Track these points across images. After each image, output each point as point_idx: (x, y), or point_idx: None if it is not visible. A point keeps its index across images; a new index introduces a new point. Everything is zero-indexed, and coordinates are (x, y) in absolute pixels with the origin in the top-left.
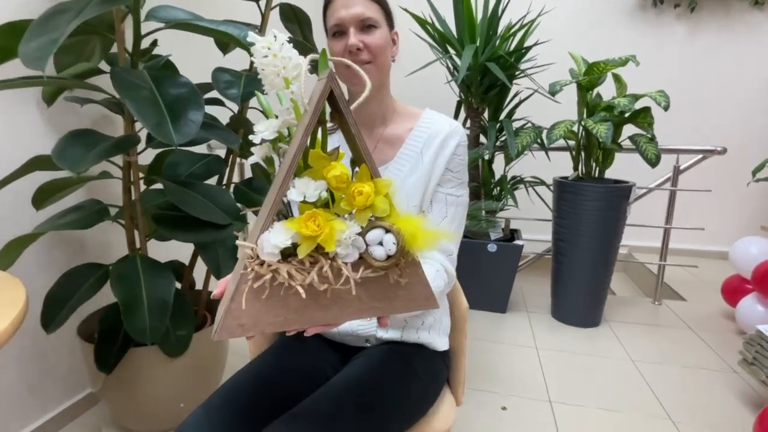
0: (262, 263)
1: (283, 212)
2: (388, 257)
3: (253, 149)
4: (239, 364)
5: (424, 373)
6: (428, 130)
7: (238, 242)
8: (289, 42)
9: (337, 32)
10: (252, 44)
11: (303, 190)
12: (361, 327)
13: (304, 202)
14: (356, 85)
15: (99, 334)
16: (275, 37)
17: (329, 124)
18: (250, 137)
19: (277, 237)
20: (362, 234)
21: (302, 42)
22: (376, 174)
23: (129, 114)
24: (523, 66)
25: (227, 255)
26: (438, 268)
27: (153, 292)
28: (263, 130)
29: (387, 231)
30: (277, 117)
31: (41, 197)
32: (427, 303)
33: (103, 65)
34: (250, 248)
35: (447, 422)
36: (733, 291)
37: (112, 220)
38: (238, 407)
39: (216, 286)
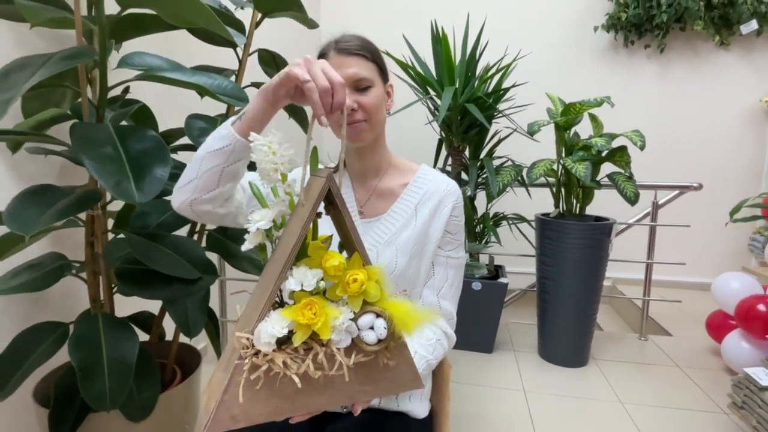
0: (256, 353)
1: (277, 300)
2: (379, 341)
3: (246, 236)
4: None
5: None
6: (424, 187)
7: (237, 334)
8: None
9: None
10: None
11: (301, 279)
12: None
13: (301, 290)
14: (351, 141)
15: (54, 399)
16: (274, 134)
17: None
18: (246, 226)
19: (274, 326)
20: (354, 319)
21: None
22: (367, 261)
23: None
24: (502, 106)
25: (197, 309)
26: (438, 337)
27: (114, 354)
28: (259, 219)
29: (378, 315)
30: (268, 206)
31: (1, 249)
32: (412, 384)
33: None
34: (245, 338)
35: None
36: (718, 327)
37: (73, 275)
38: None
39: None
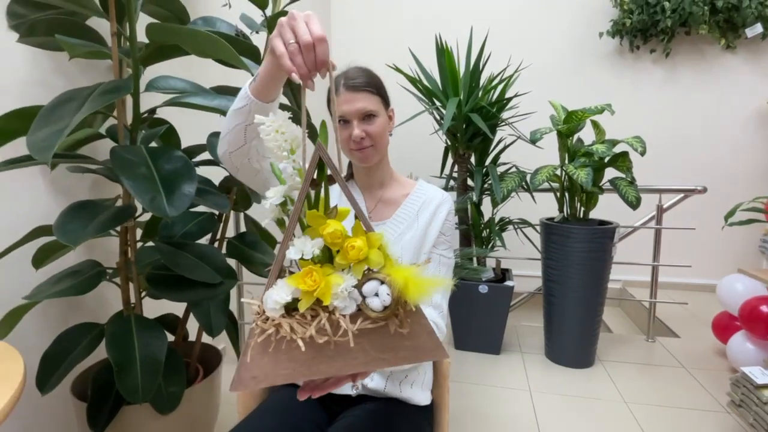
0: (266, 319)
1: (291, 270)
2: (385, 308)
3: (264, 212)
4: (231, 416)
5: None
6: (423, 197)
7: (243, 300)
8: (286, 110)
9: (342, 121)
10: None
11: (301, 248)
12: None
13: (302, 259)
14: (361, 163)
15: (92, 393)
16: (279, 114)
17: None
18: (262, 202)
19: (278, 293)
20: (358, 286)
21: (295, 109)
22: (369, 228)
23: None
24: (506, 114)
25: (218, 311)
26: (433, 320)
27: (146, 352)
28: (272, 196)
29: (382, 282)
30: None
31: (41, 257)
32: (434, 353)
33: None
34: (256, 305)
35: None
36: (724, 328)
37: (107, 280)
38: None
39: None
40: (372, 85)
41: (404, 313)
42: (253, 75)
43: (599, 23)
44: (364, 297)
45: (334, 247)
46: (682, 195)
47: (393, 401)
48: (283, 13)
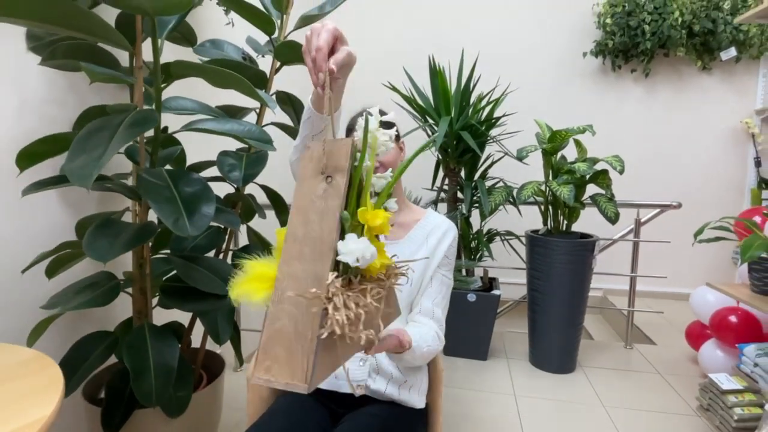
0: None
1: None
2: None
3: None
4: (233, 419)
5: None
6: (432, 223)
7: (311, 291)
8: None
9: None
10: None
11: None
12: (355, 372)
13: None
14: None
15: (106, 397)
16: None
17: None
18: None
19: (354, 246)
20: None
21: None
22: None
23: (146, 203)
24: (494, 132)
25: (224, 319)
26: (434, 334)
27: (159, 359)
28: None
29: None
30: None
31: (54, 268)
32: (396, 312)
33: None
34: (322, 293)
35: None
36: (696, 336)
37: (124, 292)
38: None
39: None
40: (385, 123)
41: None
42: (268, 106)
43: (583, 44)
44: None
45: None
46: (658, 210)
47: (391, 404)
48: (290, 41)
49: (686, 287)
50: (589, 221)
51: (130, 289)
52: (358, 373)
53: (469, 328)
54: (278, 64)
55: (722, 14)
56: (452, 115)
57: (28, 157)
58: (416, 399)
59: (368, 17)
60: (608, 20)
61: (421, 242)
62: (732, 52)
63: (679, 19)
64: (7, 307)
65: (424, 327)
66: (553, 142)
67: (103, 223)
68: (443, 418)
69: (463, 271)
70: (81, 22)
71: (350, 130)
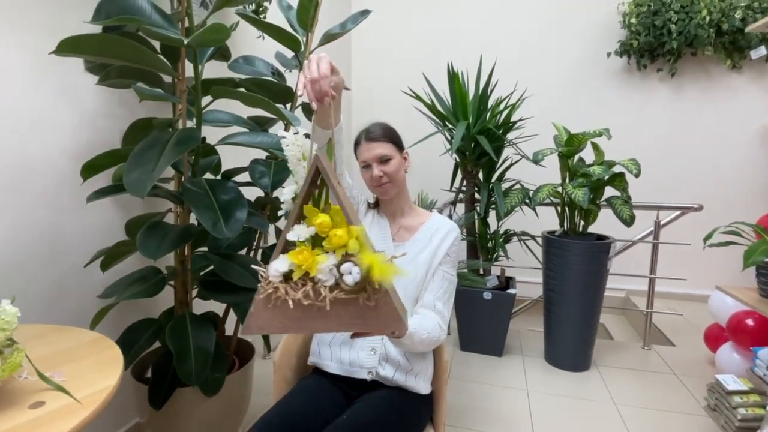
0: (268, 282)
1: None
2: (356, 284)
3: (282, 205)
4: (261, 403)
5: (409, 416)
6: (436, 225)
7: (252, 266)
8: (306, 136)
9: (365, 165)
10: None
11: (298, 233)
12: (366, 360)
13: (299, 241)
14: (382, 196)
15: (153, 377)
16: (296, 133)
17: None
18: (280, 196)
19: (279, 263)
20: (338, 265)
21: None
22: (351, 223)
23: (187, 208)
24: (512, 135)
25: None
26: (435, 323)
27: (198, 343)
28: (287, 193)
29: (355, 264)
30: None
31: (108, 262)
32: (395, 325)
33: None
34: (262, 271)
35: None
36: (715, 339)
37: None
38: None
39: None
40: (386, 135)
41: (372, 291)
42: (292, 124)
43: (607, 44)
44: (341, 274)
45: (323, 235)
46: (679, 212)
47: (399, 389)
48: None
49: (708, 290)
50: (609, 223)
51: (172, 282)
52: (368, 361)
53: (485, 325)
54: None
55: (752, 12)
56: (469, 120)
57: (91, 168)
58: (422, 385)
59: (387, 27)
60: (633, 20)
61: (425, 243)
62: (762, 50)
63: (707, 18)
64: (70, 295)
65: (425, 317)
66: (569, 146)
67: (152, 225)
68: (456, 409)
69: (481, 270)
70: (134, 56)
71: (357, 144)
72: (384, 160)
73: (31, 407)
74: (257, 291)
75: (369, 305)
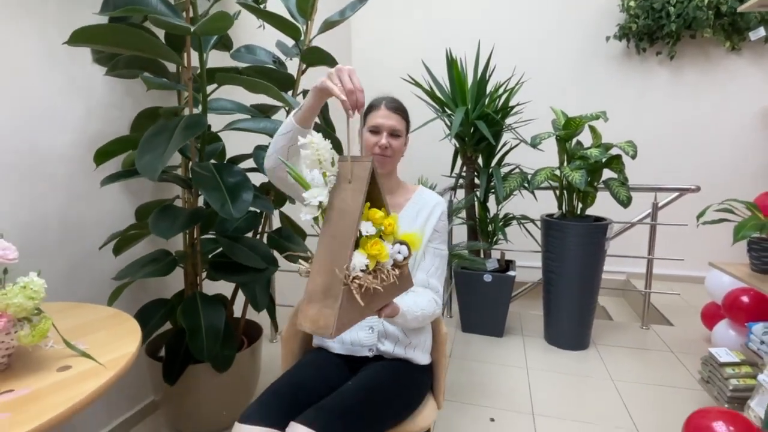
0: (352, 279)
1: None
2: (404, 258)
3: (304, 210)
4: (270, 380)
5: (409, 384)
6: (421, 200)
7: (339, 270)
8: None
9: (374, 130)
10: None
11: (367, 228)
12: (366, 339)
13: (368, 236)
14: (379, 167)
15: (166, 354)
16: (315, 134)
17: None
18: (305, 201)
19: (360, 259)
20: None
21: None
22: (389, 213)
23: (196, 191)
24: (510, 120)
25: (262, 290)
26: (430, 298)
27: (209, 321)
28: (317, 195)
29: (402, 244)
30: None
31: (120, 246)
32: (410, 283)
33: None
34: (344, 275)
35: (428, 421)
36: (711, 317)
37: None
38: (281, 402)
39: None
40: (404, 112)
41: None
42: (293, 108)
43: (606, 27)
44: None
45: (377, 226)
46: (677, 194)
47: (400, 360)
48: (314, 47)
49: (705, 270)
50: (609, 206)
51: (182, 265)
52: (368, 339)
53: (485, 307)
54: (304, 66)
55: None
56: (468, 106)
57: (103, 154)
58: (420, 356)
59: (386, 14)
60: (632, 3)
61: (411, 220)
62: (761, 31)
63: (706, 0)
64: (86, 277)
65: (419, 295)
66: (567, 129)
67: (163, 209)
68: (459, 387)
69: (481, 253)
70: (144, 45)
71: (372, 107)
72: (395, 134)
73: (59, 370)
74: (342, 294)
75: (405, 274)
